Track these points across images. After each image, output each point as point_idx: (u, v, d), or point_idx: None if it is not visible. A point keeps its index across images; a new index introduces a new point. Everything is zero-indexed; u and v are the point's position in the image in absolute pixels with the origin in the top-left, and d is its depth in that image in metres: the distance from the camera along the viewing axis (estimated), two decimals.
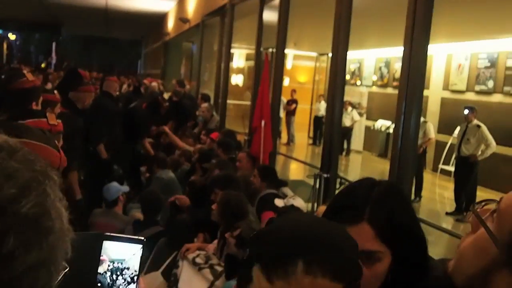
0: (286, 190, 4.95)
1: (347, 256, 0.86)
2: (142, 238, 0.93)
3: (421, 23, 3.70)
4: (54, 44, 34.97)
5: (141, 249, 0.90)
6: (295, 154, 13.91)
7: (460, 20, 9.28)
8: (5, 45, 36.79)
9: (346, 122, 13.12)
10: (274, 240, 0.85)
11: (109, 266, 0.91)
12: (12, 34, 39.78)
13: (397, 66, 13.64)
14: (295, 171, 11.29)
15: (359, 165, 14.03)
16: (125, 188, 5.11)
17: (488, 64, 10.95)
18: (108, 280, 0.90)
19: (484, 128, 8.26)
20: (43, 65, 32.29)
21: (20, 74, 2.87)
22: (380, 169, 12.44)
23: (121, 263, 0.90)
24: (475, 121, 8.37)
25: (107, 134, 5.58)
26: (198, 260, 3.72)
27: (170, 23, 17.80)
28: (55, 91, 3.94)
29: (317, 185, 5.18)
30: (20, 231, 0.49)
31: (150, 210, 4.68)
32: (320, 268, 0.81)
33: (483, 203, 0.99)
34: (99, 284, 0.89)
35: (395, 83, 13.79)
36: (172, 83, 13.89)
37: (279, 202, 4.03)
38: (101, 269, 0.90)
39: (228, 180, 4.26)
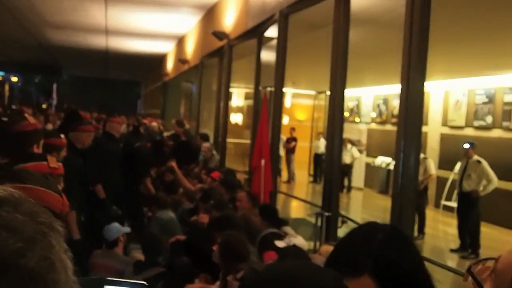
0: (288, 229, 4.91)
1: None
2: (144, 282, 0.91)
3: (417, 61, 3.74)
4: (55, 85, 35.34)
5: None
6: (296, 192, 13.85)
7: (456, 57, 9.41)
8: (7, 87, 37.15)
9: (346, 159, 13.12)
10: (263, 283, 0.87)
11: None
12: (14, 76, 40.26)
13: (395, 103, 13.74)
14: (296, 209, 11.22)
15: (361, 202, 13.95)
16: (126, 229, 5.07)
17: (486, 100, 11.03)
18: None
19: (484, 163, 8.25)
20: (44, 106, 32.53)
21: (22, 117, 2.88)
22: (382, 205, 12.35)
23: None
24: (476, 157, 8.37)
25: (105, 175, 5.56)
26: None
27: (170, 64, 18.03)
28: (62, 135, 3.94)
29: (319, 224, 5.13)
30: (26, 286, 0.49)
31: (151, 251, 4.63)
32: None
33: (480, 263, 0.97)
34: None
35: (393, 120, 13.86)
36: (171, 123, 13.96)
37: (280, 244, 3.98)
38: None
39: (226, 221, 4.22)
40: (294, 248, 3.92)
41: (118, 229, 4.88)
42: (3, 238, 0.49)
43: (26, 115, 3.19)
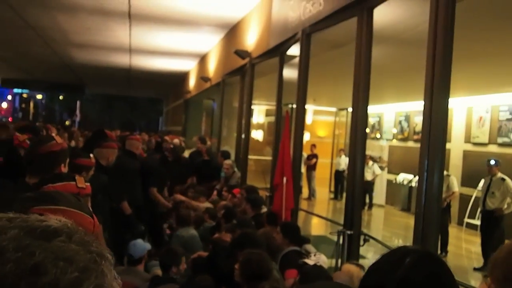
0: (309, 247, 4.90)
1: None
2: None
3: (441, 78, 3.73)
4: (78, 103, 35.94)
5: None
6: (317, 209, 13.79)
7: (479, 74, 9.34)
8: (31, 104, 37.87)
9: (368, 176, 13.05)
10: None
11: None
12: (38, 94, 41.06)
13: (417, 120, 13.66)
14: (317, 226, 11.17)
15: (382, 220, 13.82)
16: (148, 245, 5.10)
17: (510, 116, 10.90)
18: None
19: (509, 181, 8.14)
20: (67, 123, 33.06)
21: (49, 137, 2.95)
22: (404, 223, 12.22)
23: None
24: (499, 174, 8.26)
25: (128, 192, 5.64)
26: None
27: (191, 82, 18.21)
28: (91, 155, 4.01)
29: (341, 242, 5.10)
30: None
31: (168, 266, 4.65)
32: None
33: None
34: None
35: (415, 137, 13.76)
36: (193, 140, 14.05)
37: (309, 261, 3.97)
38: None
39: (247, 239, 4.22)
40: (315, 267, 3.90)
41: (144, 246, 4.92)
42: (61, 268, 0.51)
43: (53, 134, 3.26)
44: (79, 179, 2.13)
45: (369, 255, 8.12)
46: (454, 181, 9.44)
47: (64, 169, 2.81)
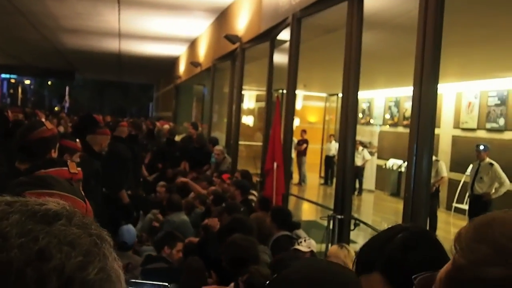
0: (300, 232, 4.94)
1: None
2: (167, 284, 0.95)
3: (430, 64, 3.75)
4: (67, 89, 35.66)
5: None
6: (307, 194, 13.87)
7: (468, 60, 9.39)
8: (20, 90, 37.52)
9: (358, 161, 13.11)
10: (301, 279, 0.95)
11: None
12: (27, 79, 40.65)
13: (407, 105, 13.72)
14: (308, 212, 11.24)
15: (372, 205, 13.93)
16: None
17: (498, 102, 10.98)
18: None
19: (497, 166, 8.23)
20: (56, 109, 32.83)
21: (40, 123, 2.95)
22: (393, 208, 12.33)
23: None
24: (488, 159, 8.35)
25: (126, 180, 5.69)
26: None
27: (182, 67, 18.13)
28: (77, 140, 4.01)
29: (331, 226, 5.15)
30: None
31: (161, 246, 4.70)
32: None
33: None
34: None
35: (405, 122, 13.83)
36: (184, 126, 14.04)
37: (302, 248, 4.01)
38: None
39: (238, 224, 4.24)
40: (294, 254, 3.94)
41: (134, 232, 4.96)
42: (66, 252, 0.51)
43: (43, 119, 3.26)
44: (71, 164, 2.13)
45: (360, 239, 8.20)
46: (443, 166, 9.52)
47: (55, 154, 2.82)
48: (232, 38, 8.99)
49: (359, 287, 0.97)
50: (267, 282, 1.03)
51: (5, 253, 0.49)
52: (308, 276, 0.96)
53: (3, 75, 36.53)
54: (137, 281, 0.94)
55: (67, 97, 34.85)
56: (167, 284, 0.97)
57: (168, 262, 4.61)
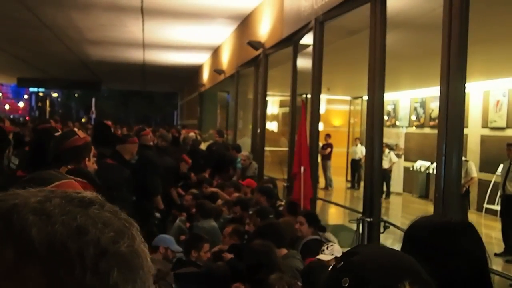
0: (329, 235, 4.92)
1: (428, 277, 1.00)
2: None
3: (457, 62, 3.71)
4: (93, 100, 36.23)
5: None
6: (334, 198, 13.79)
7: (495, 57, 9.23)
8: (47, 103, 38.27)
9: (384, 164, 12.97)
10: (378, 269, 0.98)
11: None
12: (54, 92, 41.45)
13: (433, 106, 13.55)
14: (335, 216, 11.17)
15: (400, 207, 13.78)
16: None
17: None
18: None
19: None
20: (83, 120, 33.36)
21: (72, 132, 3.01)
22: (422, 210, 12.17)
23: None
24: None
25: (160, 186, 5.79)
26: None
27: (205, 75, 18.25)
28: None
29: (360, 230, 5.11)
30: (120, 267, 0.59)
31: (189, 249, 4.73)
32: (422, 286, 0.96)
33: None
34: None
35: (431, 123, 13.66)
36: (210, 133, 14.13)
37: (324, 257, 3.97)
38: None
39: (271, 229, 4.24)
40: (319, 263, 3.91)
41: (172, 239, 5.06)
42: (100, 229, 0.59)
43: (75, 129, 3.32)
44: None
45: (389, 242, 8.12)
46: (473, 167, 9.37)
47: (89, 162, 2.87)
48: (255, 44, 9.03)
49: (426, 274, 1.01)
50: (333, 267, 1.05)
51: (50, 227, 0.57)
52: (383, 266, 0.99)
53: (31, 89, 37.30)
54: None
55: (93, 108, 35.38)
56: None
57: (198, 266, 4.64)
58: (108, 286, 0.57)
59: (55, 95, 44.01)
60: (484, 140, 11.95)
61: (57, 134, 3.60)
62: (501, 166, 8.87)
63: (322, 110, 17.04)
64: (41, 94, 41.49)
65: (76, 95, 45.98)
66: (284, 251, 4.13)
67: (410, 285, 0.94)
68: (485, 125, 12.00)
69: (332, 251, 4.18)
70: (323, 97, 16.94)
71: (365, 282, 0.96)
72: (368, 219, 4.93)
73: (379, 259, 1.02)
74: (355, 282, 0.98)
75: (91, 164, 2.92)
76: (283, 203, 6.20)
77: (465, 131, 10.26)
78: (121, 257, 0.59)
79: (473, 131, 12.07)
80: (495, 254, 8.08)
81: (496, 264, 7.59)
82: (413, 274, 0.98)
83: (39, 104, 43.13)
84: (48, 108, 41.13)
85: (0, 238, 0.56)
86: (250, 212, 5.63)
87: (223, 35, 13.04)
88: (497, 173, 10.10)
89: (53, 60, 19.65)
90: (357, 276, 0.98)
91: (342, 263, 1.04)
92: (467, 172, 8.96)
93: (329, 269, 1.06)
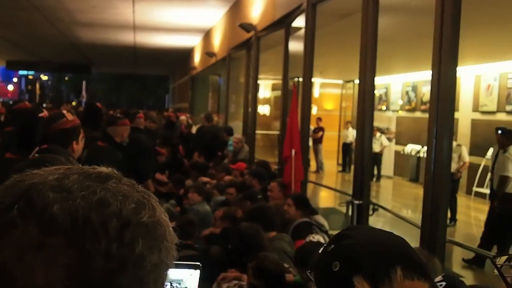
0: (319, 218, 4.95)
1: (421, 260, 1.00)
2: (199, 263, 0.97)
3: (449, 46, 3.71)
4: (84, 83, 35.96)
5: (198, 272, 0.95)
6: (325, 181, 13.85)
7: (487, 41, 9.24)
8: (37, 86, 37.94)
9: (375, 147, 13.03)
10: (369, 254, 0.98)
11: (166, 285, 0.95)
12: (44, 75, 41.06)
13: (425, 90, 13.58)
14: (325, 199, 11.23)
15: (391, 190, 13.87)
16: None
17: None
18: None
19: None
20: (74, 103, 33.13)
21: (60, 115, 2.98)
22: (413, 193, 12.27)
23: (179, 284, 0.95)
24: None
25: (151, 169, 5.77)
26: None
27: (197, 58, 18.15)
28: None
29: (350, 212, 5.15)
30: (144, 237, 0.60)
31: (183, 232, 4.74)
32: (414, 271, 0.95)
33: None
34: None
35: (423, 107, 13.70)
36: (200, 117, 14.08)
37: (314, 238, 4.00)
38: None
39: (260, 212, 4.26)
40: (312, 243, 3.94)
41: None
42: (121, 200, 0.60)
43: (64, 111, 3.28)
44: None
45: (379, 225, 8.19)
46: (465, 151, 9.43)
47: (77, 146, 2.85)
48: (247, 27, 8.97)
49: (419, 257, 1.01)
50: (324, 250, 1.04)
51: (71, 202, 0.58)
52: (374, 250, 0.99)
53: (20, 72, 36.93)
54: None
55: (84, 92, 35.11)
56: (199, 263, 0.99)
57: (195, 249, 4.66)
58: (134, 255, 0.58)
59: (45, 78, 43.59)
60: (474, 124, 12.02)
61: (41, 115, 3.57)
62: (491, 149, 8.92)
63: (315, 94, 17.12)
64: (30, 77, 41.08)
65: (66, 78, 45.60)
66: (273, 234, 4.15)
67: (402, 270, 0.93)
68: (476, 109, 12.06)
69: (323, 234, 4.22)
70: (316, 80, 16.92)
71: (356, 267, 0.95)
72: (358, 202, 4.96)
73: (370, 244, 1.01)
74: (346, 266, 0.96)
75: (79, 148, 2.88)
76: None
77: (456, 115, 10.35)
78: (145, 227, 0.60)
79: (464, 115, 12.13)
80: None
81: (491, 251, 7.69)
82: (405, 259, 0.97)
83: (29, 87, 42.71)
84: (38, 91, 40.76)
85: (23, 217, 0.56)
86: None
87: (214, 18, 12.95)
88: (486, 157, 10.18)
89: (43, 42, 19.43)
90: (348, 261, 0.97)
91: (332, 246, 1.02)
92: (460, 157, 9.02)
93: (319, 252, 1.04)
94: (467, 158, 9.39)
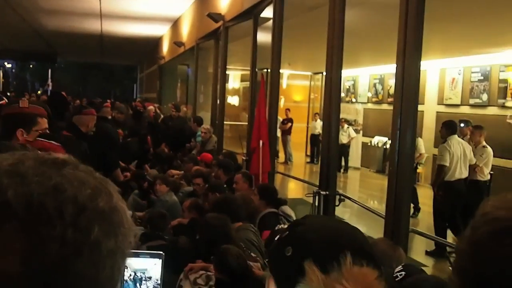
0: (286, 209, 4.99)
1: (371, 249, 1.02)
2: (161, 252, 0.98)
3: (413, 41, 3.78)
4: (50, 72, 35.17)
5: (161, 261, 0.96)
6: (293, 172, 13.93)
7: (451, 36, 9.42)
8: (1, 74, 36.95)
9: (343, 139, 13.18)
10: (319, 240, 1.00)
11: (130, 275, 0.96)
12: (8, 63, 39.99)
13: (392, 83, 13.77)
14: (294, 190, 11.32)
15: (358, 182, 14.06)
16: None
17: (482, 78, 11.07)
18: None
19: None
20: (39, 92, 32.39)
21: (15, 102, 2.89)
22: (379, 184, 12.46)
23: (144, 273, 0.96)
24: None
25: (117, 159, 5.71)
26: (199, 281, 3.71)
27: (165, 47, 17.96)
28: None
29: (316, 203, 5.20)
30: (100, 223, 0.59)
31: (155, 225, 4.72)
32: (363, 258, 0.96)
33: None
34: None
35: (390, 99, 13.90)
36: (168, 106, 13.97)
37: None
38: (126, 276, 0.96)
39: (226, 203, 4.26)
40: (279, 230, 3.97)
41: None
42: (76, 186, 0.59)
43: (24, 99, 3.18)
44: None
45: (346, 216, 8.29)
46: (421, 143, 9.71)
47: (22, 137, 2.68)
48: (215, 17, 8.92)
49: (371, 246, 1.02)
50: (279, 237, 1.06)
51: (26, 187, 0.57)
52: (325, 237, 1.00)
53: None
54: (133, 251, 0.98)
55: (49, 81, 34.36)
56: (161, 253, 1.00)
57: (164, 239, 4.64)
58: (90, 241, 0.58)
59: (9, 66, 42.49)
60: (439, 116, 12.25)
61: (1, 103, 3.49)
62: None
63: (283, 85, 17.16)
64: None
65: (31, 66, 44.51)
66: (238, 224, 4.16)
67: (351, 257, 0.95)
68: (440, 102, 12.30)
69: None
70: (284, 72, 16.97)
71: (307, 252, 0.98)
72: (324, 192, 5.02)
73: (322, 230, 1.04)
74: (298, 251, 0.99)
75: (23, 138, 2.68)
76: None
77: (421, 107, 10.50)
78: (101, 213, 0.60)
79: (429, 108, 12.36)
80: (446, 226, 8.36)
81: (447, 236, 7.88)
82: (356, 246, 0.99)
83: None
84: (1, 80, 39.71)
85: None
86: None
87: (183, 6, 12.82)
88: None
89: (6, 30, 18.89)
90: (300, 246, 1.00)
91: (287, 232, 1.05)
92: (416, 148, 9.22)
93: (276, 238, 1.07)
94: (423, 149, 9.69)
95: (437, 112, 12.34)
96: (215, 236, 3.62)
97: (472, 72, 11.30)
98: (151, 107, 12.45)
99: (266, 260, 1.13)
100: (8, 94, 19.17)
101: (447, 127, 7.51)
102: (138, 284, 0.97)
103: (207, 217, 3.85)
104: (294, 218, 4.87)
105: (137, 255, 0.99)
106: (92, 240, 0.58)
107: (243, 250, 3.66)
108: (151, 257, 0.99)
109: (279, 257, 1.02)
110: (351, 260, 0.95)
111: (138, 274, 0.98)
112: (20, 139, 2.67)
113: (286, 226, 4.06)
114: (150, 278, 0.98)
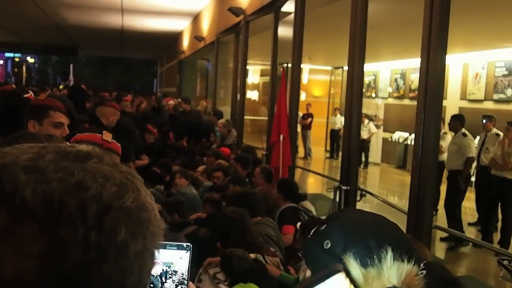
0: (306, 204, 4.96)
1: (410, 244, 1.04)
2: (189, 244, 0.95)
3: (438, 34, 3.70)
4: (71, 66, 35.54)
5: (188, 254, 0.93)
6: (313, 167, 13.89)
7: (475, 29, 9.25)
8: (24, 68, 37.46)
9: (363, 134, 13.07)
10: (360, 233, 1.00)
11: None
12: (31, 57, 40.55)
13: (413, 77, 13.61)
14: (313, 185, 11.27)
15: (378, 177, 13.95)
16: None
17: (506, 73, 10.86)
18: (160, 284, 0.93)
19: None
20: (61, 87, 32.77)
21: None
22: (399, 180, 12.35)
23: (169, 267, 0.93)
24: (494, 130, 8.28)
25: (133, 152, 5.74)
26: (219, 275, 3.70)
27: (185, 42, 17.99)
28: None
29: (337, 198, 5.16)
30: (127, 223, 0.55)
31: (182, 213, 4.73)
32: (404, 253, 0.95)
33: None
34: (151, 285, 0.91)
35: (411, 94, 13.74)
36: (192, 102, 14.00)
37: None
38: (153, 272, 0.93)
39: (245, 197, 4.24)
40: (314, 219, 3.94)
41: None
42: (101, 183, 0.55)
43: (45, 93, 3.19)
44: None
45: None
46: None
47: (33, 128, 2.65)
48: (236, 11, 8.89)
49: (410, 241, 1.03)
50: (316, 230, 1.05)
51: (45, 185, 0.52)
52: (365, 231, 1.00)
53: (7, 54, 36.42)
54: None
55: (71, 75, 34.72)
56: (189, 244, 0.97)
57: (194, 224, 4.65)
58: (116, 244, 0.53)
59: (31, 60, 43.04)
60: (462, 112, 12.05)
61: (26, 96, 3.50)
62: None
63: (304, 80, 17.08)
64: (17, 59, 40.51)
65: (53, 61, 45.03)
66: (257, 219, 4.14)
67: (391, 251, 0.94)
68: (463, 97, 12.11)
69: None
70: (305, 67, 16.87)
71: (347, 246, 0.97)
72: (345, 187, 4.98)
73: (361, 224, 1.03)
74: (337, 244, 0.98)
75: (34, 129, 2.63)
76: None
77: (444, 103, 10.33)
78: (127, 213, 0.55)
79: (452, 103, 12.18)
80: (469, 224, 8.26)
81: (470, 233, 7.77)
82: (395, 241, 0.98)
83: (15, 70, 42.12)
84: (24, 74, 40.25)
85: None
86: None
87: (203, 1, 12.82)
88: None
89: (28, 24, 19.13)
90: (339, 239, 0.99)
91: (325, 225, 1.04)
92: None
93: (313, 231, 1.05)
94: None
95: (460, 107, 12.16)
96: (231, 229, 3.60)
97: (496, 67, 11.09)
98: (171, 102, 12.52)
99: (300, 252, 1.10)
100: (30, 88, 19.40)
101: (459, 120, 7.92)
102: (163, 279, 0.94)
103: (224, 211, 3.83)
104: (314, 214, 4.84)
105: (164, 246, 0.95)
106: (119, 243, 0.53)
107: (261, 244, 3.64)
108: (178, 248, 0.95)
109: (317, 250, 1.01)
110: (392, 255, 0.93)
111: (164, 268, 0.95)
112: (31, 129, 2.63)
113: (313, 219, 4.05)
114: (175, 272, 0.95)
